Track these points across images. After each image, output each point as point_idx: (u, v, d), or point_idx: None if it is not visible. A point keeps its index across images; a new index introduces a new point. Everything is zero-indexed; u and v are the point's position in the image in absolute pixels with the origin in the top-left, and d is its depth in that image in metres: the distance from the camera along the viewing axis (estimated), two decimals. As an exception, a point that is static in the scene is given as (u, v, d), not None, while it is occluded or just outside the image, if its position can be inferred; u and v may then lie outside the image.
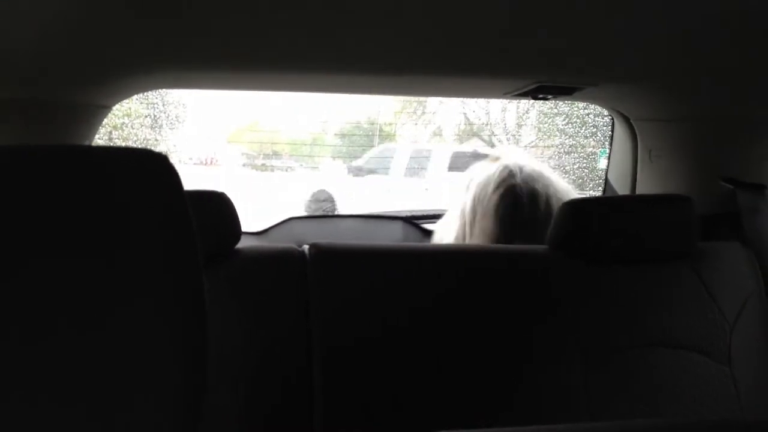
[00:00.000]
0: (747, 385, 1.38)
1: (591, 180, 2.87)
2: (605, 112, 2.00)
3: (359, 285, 1.35)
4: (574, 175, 3.04)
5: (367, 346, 1.32)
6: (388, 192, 6.63)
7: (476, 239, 1.55)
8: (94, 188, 0.51)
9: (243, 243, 1.39)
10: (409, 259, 1.40)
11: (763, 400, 1.40)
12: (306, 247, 1.40)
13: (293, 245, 1.44)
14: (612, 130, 2.00)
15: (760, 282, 1.45)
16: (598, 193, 2.09)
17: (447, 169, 6.52)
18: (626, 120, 1.86)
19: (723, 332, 1.39)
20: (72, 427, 0.49)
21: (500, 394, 1.32)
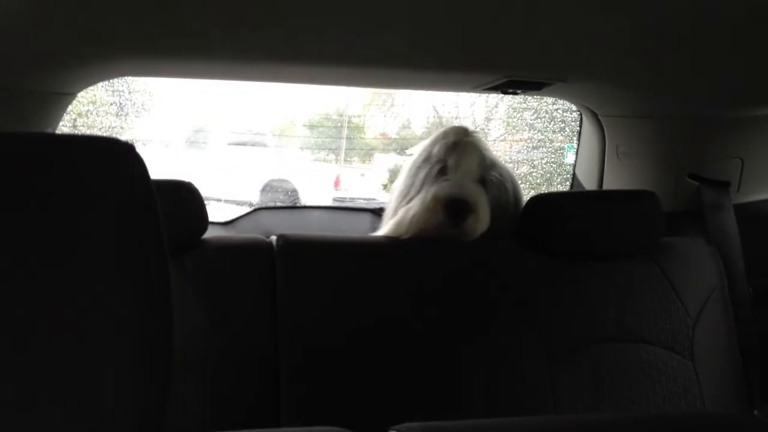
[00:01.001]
0: (709, 379, 1.41)
1: (559, 175, 2.89)
2: (574, 108, 2.01)
3: (326, 276, 1.35)
4: (542, 169, 3.06)
5: (333, 336, 1.32)
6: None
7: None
8: (58, 175, 0.50)
9: (210, 233, 1.38)
10: (376, 250, 1.40)
11: (724, 394, 1.42)
12: (273, 237, 1.39)
13: (260, 236, 1.43)
14: (580, 126, 2.01)
15: (723, 278, 1.48)
16: (566, 188, 2.11)
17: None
18: (594, 116, 1.87)
19: (686, 327, 1.41)
20: (37, 415, 0.48)
21: (465, 386, 1.33)
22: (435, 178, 1.43)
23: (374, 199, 1.71)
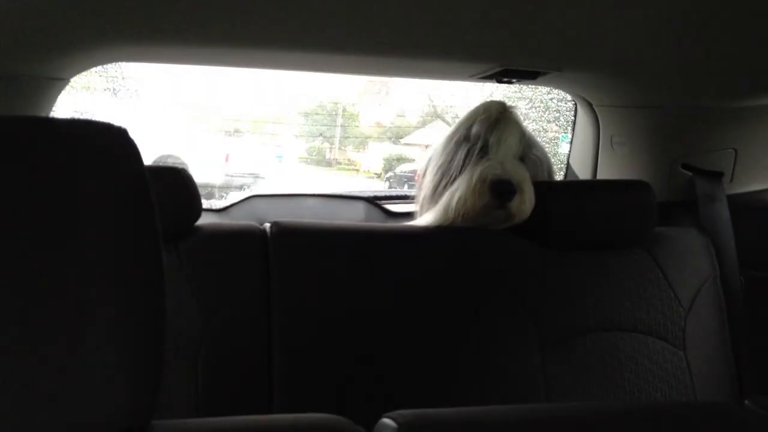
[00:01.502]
0: (700, 369, 1.41)
1: (553, 164, 2.89)
2: (568, 98, 2.01)
3: (320, 263, 1.35)
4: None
5: (326, 324, 1.32)
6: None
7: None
8: (52, 159, 0.50)
9: (203, 220, 1.37)
10: (370, 238, 1.40)
11: (715, 384, 1.43)
12: (267, 225, 1.39)
13: (254, 223, 1.43)
14: (575, 116, 2.01)
15: (715, 268, 1.48)
16: (560, 178, 2.11)
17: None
18: (589, 106, 1.87)
19: (678, 317, 1.42)
20: (32, 401, 0.48)
21: (458, 374, 1.33)
22: (477, 157, 1.41)
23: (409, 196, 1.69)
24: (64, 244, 0.49)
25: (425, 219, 1.47)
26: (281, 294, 1.31)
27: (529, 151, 1.45)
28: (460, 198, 1.38)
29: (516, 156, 1.42)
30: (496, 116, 1.45)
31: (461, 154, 1.44)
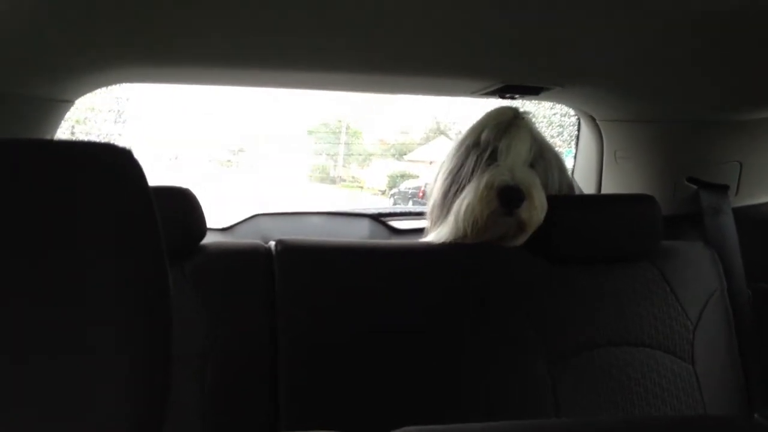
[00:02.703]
0: (709, 383, 1.41)
1: (566, 166, 2.88)
2: (572, 113, 2.01)
3: (325, 281, 1.35)
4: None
5: (332, 342, 1.31)
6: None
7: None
8: (57, 182, 0.50)
9: (208, 239, 1.38)
10: (374, 256, 1.40)
11: (724, 397, 1.42)
12: (272, 243, 1.39)
13: (259, 241, 1.43)
14: (578, 130, 2.01)
15: (722, 281, 1.48)
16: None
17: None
18: (592, 120, 1.88)
19: (686, 330, 1.41)
20: (40, 418, 0.48)
21: (465, 389, 1.32)
22: (486, 164, 1.40)
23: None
24: (69, 265, 0.49)
25: (439, 233, 1.45)
26: (286, 311, 1.31)
27: (540, 156, 1.43)
28: (468, 206, 1.37)
29: (526, 162, 1.40)
30: (508, 122, 1.44)
31: (471, 160, 1.43)
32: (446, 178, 1.47)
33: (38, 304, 0.48)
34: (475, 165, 1.42)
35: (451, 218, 1.42)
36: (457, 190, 1.43)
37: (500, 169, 1.37)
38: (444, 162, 1.51)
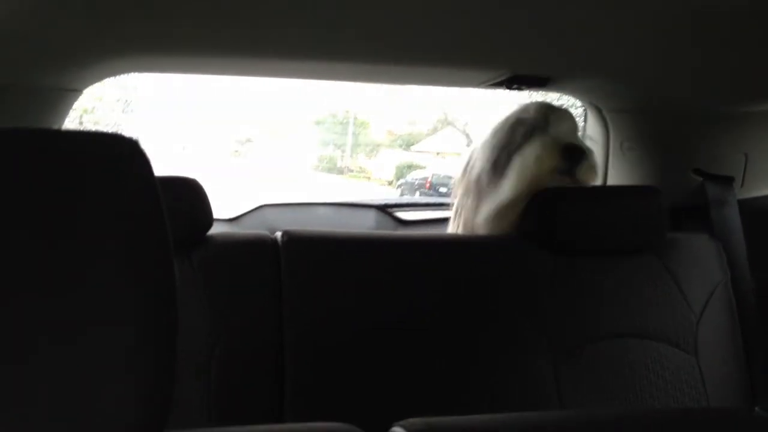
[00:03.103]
0: (712, 375, 1.41)
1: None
2: (578, 104, 2.01)
3: (331, 273, 1.35)
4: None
5: (338, 334, 1.32)
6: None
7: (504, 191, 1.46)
8: (63, 172, 0.50)
9: (214, 230, 1.38)
10: (381, 247, 1.40)
11: (728, 390, 1.42)
12: (278, 234, 1.40)
13: (265, 232, 1.43)
14: (585, 122, 2.01)
15: (726, 273, 1.48)
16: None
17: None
18: (599, 111, 1.87)
19: (690, 323, 1.41)
20: (38, 413, 0.49)
21: (470, 383, 1.33)
22: (539, 132, 1.44)
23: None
24: (74, 255, 0.49)
25: (499, 196, 1.45)
26: (292, 302, 1.32)
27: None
28: (534, 159, 1.39)
29: (575, 132, 1.45)
30: (547, 105, 1.49)
31: (521, 131, 1.46)
32: (493, 152, 1.48)
33: (40, 298, 0.48)
34: (524, 137, 1.44)
35: (513, 175, 1.43)
36: (508, 157, 1.44)
37: (560, 131, 1.42)
38: (476, 148, 1.54)
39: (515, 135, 1.46)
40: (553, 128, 1.43)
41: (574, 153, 1.39)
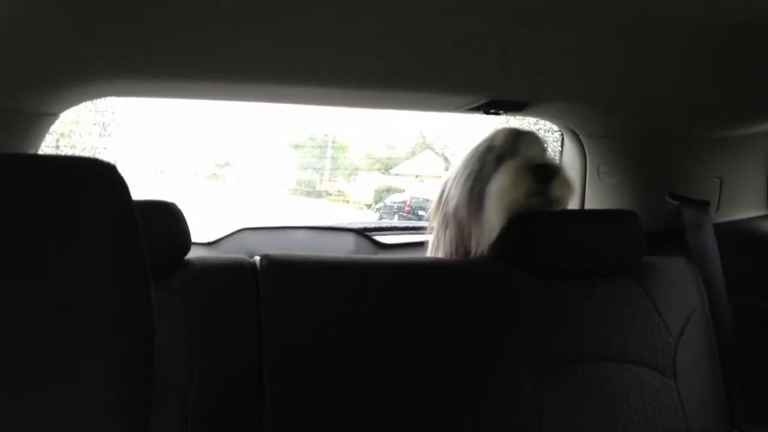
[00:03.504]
0: (691, 398, 1.41)
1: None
2: (555, 128, 2.03)
3: (311, 297, 1.34)
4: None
5: (317, 358, 1.31)
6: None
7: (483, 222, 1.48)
8: (40, 197, 0.50)
9: (193, 254, 1.37)
10: (360, 271, 1.40)
11: (707, 413, 1.43)
12: (257, 258, 1.39)
13: (244, 256, 1.43)
14: (561, 146, 2.03)
15: (703, 297, 1.49)
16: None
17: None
18: (575, 136, 1.89)
19: (668, 346, 1.42)
20: None
21: (450, 405, 1.32)
22: (509, 157, 1.47)
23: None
24: (49, 281, 0.49)
25: (486, 229, 1.47)
26: (272, 327, 1.31)
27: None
28: (499, 189, 1.43)
29: (544, 152, 1.48)
30: (516, 131, 1.51)
31: (491, 158, 1.48)
32: (467, 182, 1.51)
33: (13, 320, 0.48)
34: (495, 164, 1.47)
35: (488, 210, 1.46)
36: (482, 187, 1.47)
37: (529, 153, 1.45)
38: (450, 177, 1.56)
39: (486, 163, 1.48)
40: (521, 152, 1.46)
41: (545, 172, 1.42)
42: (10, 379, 0.47)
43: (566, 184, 1.44)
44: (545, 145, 1.51)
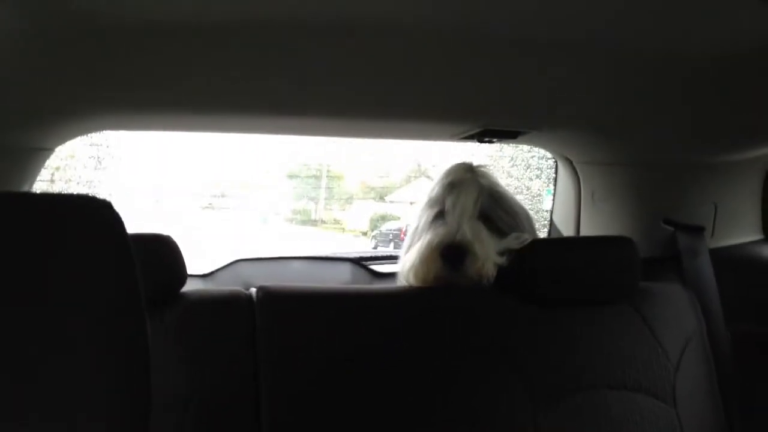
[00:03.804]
0: (691, 424, 1.40)
1: (536, 221, 2.91)
2: (549, 155, 2.04)
3: (308, 328, 1.34)
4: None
5: (315, 390, 1.30)
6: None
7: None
8: (34, 235, 0.50)
9: (189, 286, 1.37)
10: (357, 300, 1.40)
11: None
12: (253, 289, 1.38)
13: (240, 288, 1.42)
14: (556, 173, 2.04)
15: (701, 322, 1.48)
16: (544, 234, 2.13)
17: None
18: (569, 163, 1.90)
19: (667, 373, 1.41)
20: None
21: (449, 431, 1.31)
22: (433, 222, 1.43)
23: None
24: (42, 319, 0.49)
25: (410, 257, 1.45)
26: (269, 359, 1.30)
27: (495, 205, 1.44)
28: (411, 266, 1.40)
29: (473, 216, 1.40)
30: (454, 179, 1.45)
31: (425, 217, 1.46)
32: (408, 236, 1.50)
33: (9, 359, 0.47)
34: (425, 224, 1.45)
35: (399, 275, 1.46)
36: (409, 248, 1.46)
37: (443, 227, 1.39)
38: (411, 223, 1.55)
39: (422, 220, 1.47)
40: (449, 213, 1.41)
41: (453, 254, 1.36)
42: (9, 411, 0.47)
43: (478, 260, 1.36)
44: (487, 185, 1.45)
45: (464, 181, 1.44)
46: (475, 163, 1.50)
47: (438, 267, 1.37)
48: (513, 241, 1.42)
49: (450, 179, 1.46)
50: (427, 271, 1.38)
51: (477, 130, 1.58)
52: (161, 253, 1.31)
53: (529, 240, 1.45)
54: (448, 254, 1.36)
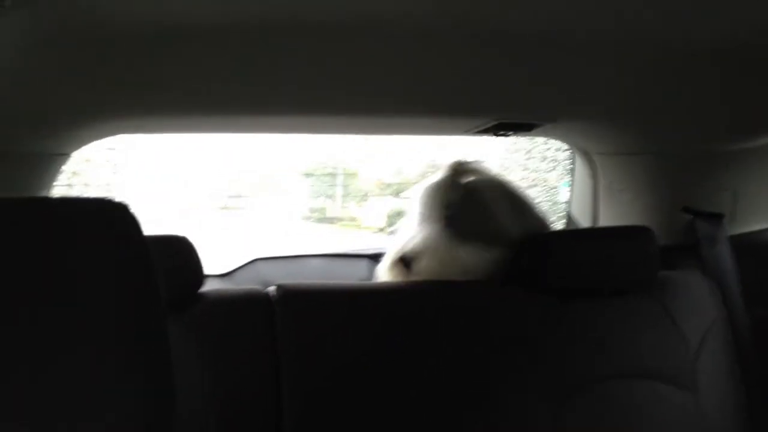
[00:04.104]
0: (713, 412, 1.40)
1: (554, 213, 2.90)
2: (565, 146, 2.03)
3: (327, 325, 1.34)
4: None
5: (336, 387, 1.30)
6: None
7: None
8: (53, 240, 0.50)
9: (207, 286, 1.37)
10: (376, 297, 1.40)
11: (728, 426, 1.41)
12: (272, 288, 1.39)
13: (259, 287, 1.43)
14: (572, 164, 2.02)
15: (721, 310, 1.47)
16: (561, 226, 2.11)
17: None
18: (586, 154, 1.89)
19: (688, 361, 1.41)
20: None
21: (468, 426, 1.31)
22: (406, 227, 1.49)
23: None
24: (66, 323, 0.49)
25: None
26: (289, 357, 1.30)
27: (475, 206, 1.44)
28: (381, 276, 1.49)
29: (438, 218, 1.44)
30: (434, 182, 1.49)
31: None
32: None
33: (37, 363, 0.48)
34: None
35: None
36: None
37: (401, 236, 1.47)
38: None
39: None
40: (416, 218, 1.47)
41: (405, 263, 1.43)
42: (30, 415, 0.48)
43: (428, 264, 1.42)
44: (445, 195, 1.46)
45: (436, 184, 1.48)
46: (467, 159, 1.51)
47: (398, 272, 1.45)
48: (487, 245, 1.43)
49: (425, 182, 1.50)
50: (393, 278, 1.47)
51: (492, 124, 1.58)
52: (179, 253, 1.31)
53: (523, 233, 1.45)
54: (400, 263, 1.44)
